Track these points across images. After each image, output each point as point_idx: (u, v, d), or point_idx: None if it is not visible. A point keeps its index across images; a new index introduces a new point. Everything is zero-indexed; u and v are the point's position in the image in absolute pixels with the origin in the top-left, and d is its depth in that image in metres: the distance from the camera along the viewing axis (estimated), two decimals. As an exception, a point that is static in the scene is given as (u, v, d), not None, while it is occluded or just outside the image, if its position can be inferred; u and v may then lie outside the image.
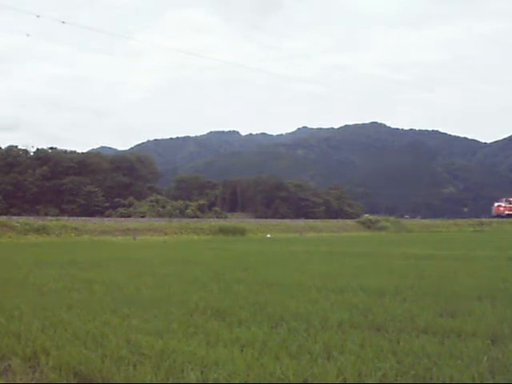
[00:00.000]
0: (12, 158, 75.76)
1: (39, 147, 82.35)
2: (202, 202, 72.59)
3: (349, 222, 55.57)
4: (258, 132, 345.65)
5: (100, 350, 4.85)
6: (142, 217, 54.87)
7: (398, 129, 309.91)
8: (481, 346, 5.01)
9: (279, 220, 50.17)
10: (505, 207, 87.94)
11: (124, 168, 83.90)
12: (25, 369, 4.52)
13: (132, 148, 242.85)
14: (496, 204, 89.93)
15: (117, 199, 73.29)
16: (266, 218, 65.30)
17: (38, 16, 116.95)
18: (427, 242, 30.59)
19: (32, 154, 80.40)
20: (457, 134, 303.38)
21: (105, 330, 5.66)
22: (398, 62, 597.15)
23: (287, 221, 50.24)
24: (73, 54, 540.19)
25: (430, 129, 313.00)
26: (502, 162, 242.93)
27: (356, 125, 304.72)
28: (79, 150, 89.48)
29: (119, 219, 39.78)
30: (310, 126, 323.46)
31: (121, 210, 67.12)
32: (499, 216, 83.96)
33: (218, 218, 59.48)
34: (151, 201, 68.44)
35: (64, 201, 73.25)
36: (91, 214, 61.37)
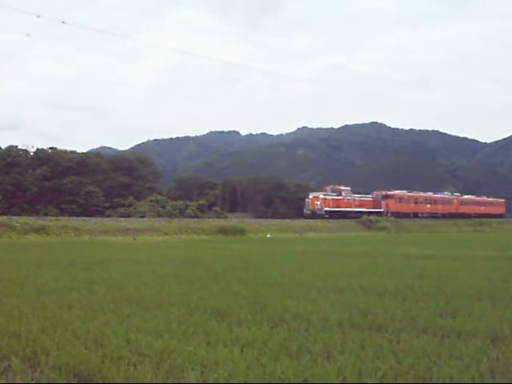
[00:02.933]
0: (12, 158, 75.77)
1: (39, 147, 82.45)
2: (202, 202, 72.63)
3: (349, 221, 55.48)
4: (258, 132, 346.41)
5: (100, 350, 4.85)
6: (142, 217, 54.82)
7: (397, 129, 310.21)
8: (481, 345, 5.01)
9: (279, 220, 50.12)
10: (325, 201, 53.46)
11: (124, 168, 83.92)
12: (25, 369, 4.52)
13: (132, 148, 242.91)
14: (311, 196, 54.68)
15: (117, 199, 73.32)
16: (265, 218, 65.23)
17: (38, 16, 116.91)
18: (427, 241, 30.59)
19: (32, 154, 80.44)
20: (457, 134, 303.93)
21: (105, 330, 5.66)
22: (398, 62, 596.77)
23: (287, 221, 50.17)
24: (73, 54, 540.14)
25: (430, 129, 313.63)
26: (502, 162, 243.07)
27: (356, 125, 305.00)
28: (79, 150, 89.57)
29: (119, 219, 39.74)
30: (309, 126, 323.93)
31: (121, 209, 67.12)
32: (315, 214, 53.06)
33: (218, 218, 59.45)
34: (151, 201, 68.45)
35: (64, 201, 73.27)
36: (91, 214, 61.38)
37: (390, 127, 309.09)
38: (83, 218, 37.35)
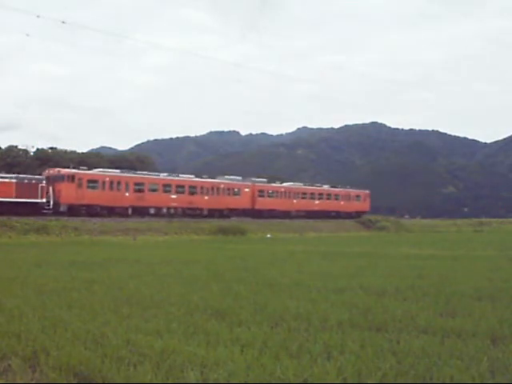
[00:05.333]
0: (12, 158, 75.73)
1: (39, 147, 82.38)
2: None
3: (348, 221, 55.45)
4: (258, 132, 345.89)
5: (100, 350, 4.85)
6: (142, 217, 54.64)
7: (398, 129, 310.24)
8: (481, 345, 5.02)
9: (279, 220, 50.08)
10: None
11: (124, 168, 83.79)
12: (25, 369, 4.52)
13: (132, 148, 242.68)
14: None
15: (117, 199, 73.22)
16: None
17: (37, 16, 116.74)
18: (427, 242, 30.58)
19: (32, 154, 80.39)
20: (457, 134, 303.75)
21: (105, 330, 5.66)
22: (398, 62, 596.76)
23: (287, 221, 50.15)
24: (73, 54, 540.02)
25: (430, 129, 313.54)
26: (502, 162, 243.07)
27: (356, 125, 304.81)
28: (79, 150, 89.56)
29: (119, 219, 39.63)
30: (309, 126, 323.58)
31: (121, 209, 67.04)
32: None
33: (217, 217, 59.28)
34: (151, 201, 68.28)
35: (64, 201, 73.14)
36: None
37: (390, 127, 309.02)
38: (83, 218, 37.29)
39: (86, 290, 8.96)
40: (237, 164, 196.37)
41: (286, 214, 51.11)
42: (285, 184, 54.83)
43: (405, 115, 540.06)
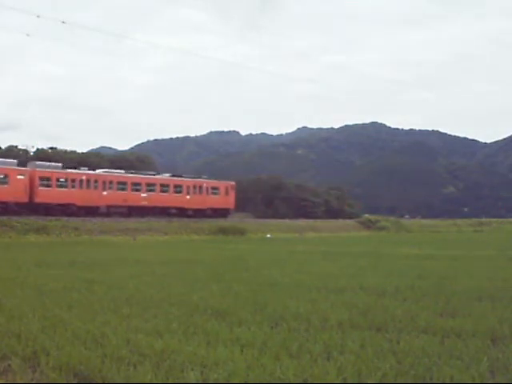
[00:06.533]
0: (12, 158, 75.75)
1: (39, 147, 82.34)
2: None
3: (349, 222, 55.54)
4: (258, 132, 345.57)
5: (100, 350, 4.85)
6: (142, 217, 54.56)
7: (398, 129, 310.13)
8: (481, 345, 5.02)
9: (279, 220, 50.09)
10: None
11: (124, 168, 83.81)
12: (25, 369, 4.52)
13: (132, 148, 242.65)
14: None
15: (117, 199, 73.19)
16: (265, 218, 65.19)
17: (38, 16, 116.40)
18: (427, 242, 30.60)
19: (32, 153, 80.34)
20: (457, 134, 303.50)
21: (105, 330, 5.66)
22: (398, 62, 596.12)
23: (287, 221, 50.18)
24: (73, 54, 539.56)
25: (430, 129, 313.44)
26: (502, 162, 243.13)
27: (356, 125, 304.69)
28: (79, 150, 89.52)
29: (119, 219, 39.63)
30: (309, 126, 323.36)
31: (121, 209, 67.07)
32: None
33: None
34: (151, 201, 68.26)
35: (64, 201, 73.10)
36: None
37: (390, 127, 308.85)
38: (83, 218, 37.28)
39: (86, 290, 8.96)
40: (237, 164, 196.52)
41: (90, 211, 38.48)
42: (99, 171, 42.19)
43: (405, 115, 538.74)
